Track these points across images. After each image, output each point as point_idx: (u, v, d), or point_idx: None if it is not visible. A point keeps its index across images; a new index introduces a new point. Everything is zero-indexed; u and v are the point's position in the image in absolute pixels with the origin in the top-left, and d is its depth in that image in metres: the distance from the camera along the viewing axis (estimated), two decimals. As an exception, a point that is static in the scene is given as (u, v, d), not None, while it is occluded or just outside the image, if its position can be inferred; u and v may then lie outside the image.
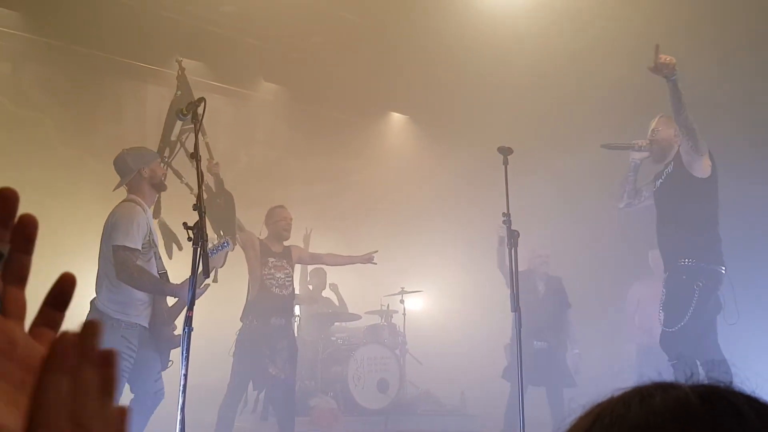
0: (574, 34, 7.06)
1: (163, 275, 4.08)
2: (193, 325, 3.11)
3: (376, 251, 5.83)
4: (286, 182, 8.43)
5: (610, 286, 7.38)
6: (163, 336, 3.99)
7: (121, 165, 4.06)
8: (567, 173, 7.57)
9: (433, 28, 7.51)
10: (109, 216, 3.96)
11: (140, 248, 3.86)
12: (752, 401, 0.57)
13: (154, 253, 4.04)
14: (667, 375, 0.64)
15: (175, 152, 5.10)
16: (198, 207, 3.21)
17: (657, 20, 6.48)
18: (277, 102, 8.99)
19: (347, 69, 8.34)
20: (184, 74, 5.45)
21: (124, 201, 4.05)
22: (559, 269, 6.41)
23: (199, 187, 3.24)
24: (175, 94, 5.44)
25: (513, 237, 4.18)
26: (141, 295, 3.88)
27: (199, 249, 3.16)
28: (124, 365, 3.73)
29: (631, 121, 7.27)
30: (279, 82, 8.90)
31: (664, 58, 4.17)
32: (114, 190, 4.12)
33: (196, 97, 3.51)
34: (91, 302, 3.86)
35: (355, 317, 7.57)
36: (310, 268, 7.77)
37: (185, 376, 3.04)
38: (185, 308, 3.19)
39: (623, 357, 6.85)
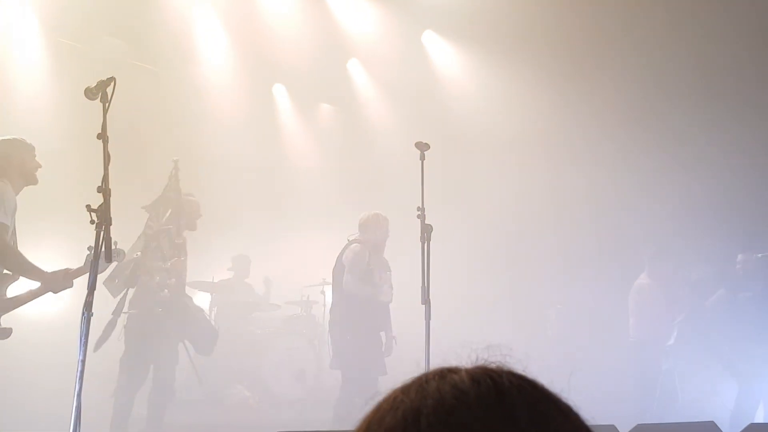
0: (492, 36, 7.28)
1: None
2: (93, 311, 3.03)
3: None
4: (211, 169, 8.29)
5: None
6: None
7: None
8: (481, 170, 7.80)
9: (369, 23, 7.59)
10: None
11: (10, 224, 3.72)
12: (514, 378, 0.63)
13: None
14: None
15: None
16: (103, 189, 3.12)
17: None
18: (204, 85, 8.80)
19: (272, 57, 8.28)
20: None
21: None
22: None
23: (105, 168, 3.15)
24: None
25: (427, 231, 4.26)
26: None
27: (102, 232, 3.08)
28: None
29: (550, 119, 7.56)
30: (205, 64, 8.71)
31: None
32: None
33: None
34: None
35: (275, 307, 7.53)
36: (232, 254, 7.68)
37: (82, 362, 2.95)
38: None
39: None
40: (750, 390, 5.88)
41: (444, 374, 0.65)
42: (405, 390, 0.65)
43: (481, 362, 0.68)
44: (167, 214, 5.21)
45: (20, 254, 3.78)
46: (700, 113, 6.95)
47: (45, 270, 3.80)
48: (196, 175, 8.08)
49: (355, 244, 5.38)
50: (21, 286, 3.92)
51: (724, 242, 6.47)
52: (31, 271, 3.77)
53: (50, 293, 3.85)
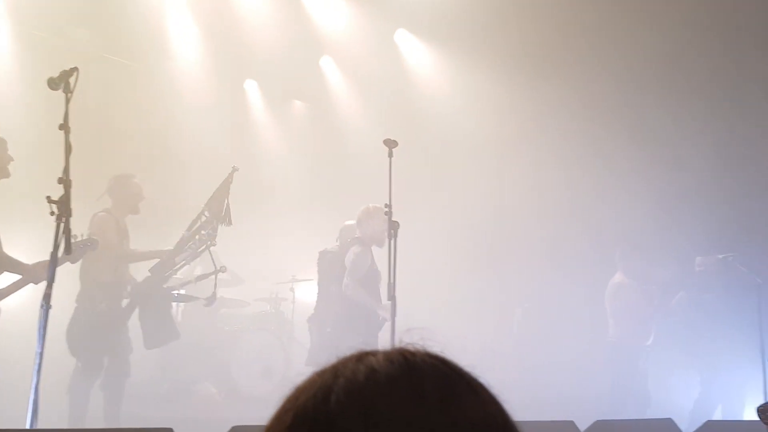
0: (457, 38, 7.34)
1: None
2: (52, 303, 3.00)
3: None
4: (182, 163, 8.22)
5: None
6: None
7: None
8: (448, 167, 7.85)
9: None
10: None
11: None
12: (428, 357, 0.64)
13: None
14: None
15: None
16: (63, 180, 3.09)
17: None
18: (177, 79, 8.69)
19: (246, 51, 8.23)
20: None
21: None
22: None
23: (66, 159, 3.12)
24: None
25: (394, 228, 4.28)
26: None
27: (62, 224, 3.04)
28: None
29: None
30: (178, 58, 8.62)
31: None
32: None
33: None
34: None
35: (243, 304, 7.49)
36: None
37: (40, 354, 2.92)
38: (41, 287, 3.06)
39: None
40: (710, 388, 6.01)
41: (362, 357, 0.66)
42: (321, 372, 0.66)
43: (402, 345, 0.69)
44: (203, 220, 5.18)
45: (1, 251, 3.80)
46: (679, 113, 6.99)
47: (25, 263, 3.86)
48: (168, 169, 8.04)
49: (355, 246, 5.21)
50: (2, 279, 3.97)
51: (697, 242, 6.52)
52: (13, 266, 3.83)
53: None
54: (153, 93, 8.35)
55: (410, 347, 0.67)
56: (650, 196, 6.94)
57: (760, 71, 6.84)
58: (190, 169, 8.19)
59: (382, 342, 4.07)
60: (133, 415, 5.23)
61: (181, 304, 7.25)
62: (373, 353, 0.66)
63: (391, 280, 4.15)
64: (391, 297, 4.14)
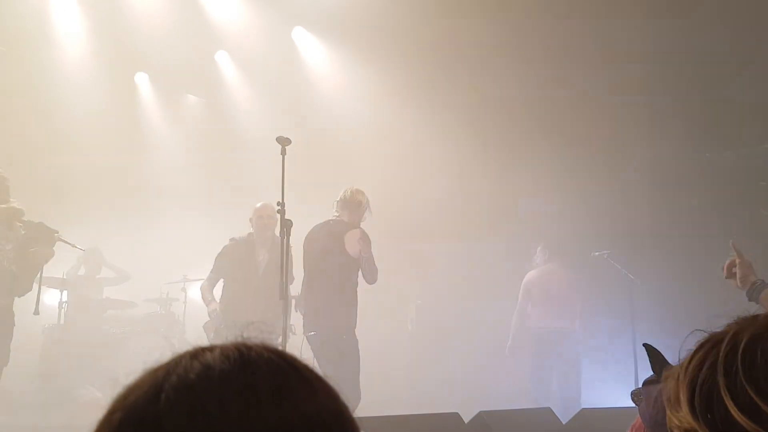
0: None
1: None
2: None
3: None
4: (65, 157, 7.83)
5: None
6: None
7: None
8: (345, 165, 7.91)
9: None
10: None
11: None
12: (265, 351, 0.66)
13: None
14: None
15: None
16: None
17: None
18: (61, 69, 8.24)
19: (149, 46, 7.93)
20: None
21: None
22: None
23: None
24: None
25: (286, 226, 4.27)
26: None
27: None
28: None
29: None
30: (62, 46, 8.16)
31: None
32: None
33: None
34: None
35: (131, 305, 7.22)
36: (80, 248, 7.25)
37: None
38: None
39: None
40: (586, 376, 6.39)
41: (197, 353, 0.65)
42: (154, 370, 0.64)
43: (241, 339, 0.68)
44: None
45: None
46: (575, 112, 7.23)
47: None
48: (49, 163, 7.61)
49: (355, 230, 4.92)
50: None
51: (592, 240, 6.82)
52: None
53: None
54: (36, 83, 7.89)
55: (248, 341, 0.67)
56: (554, 191, 7.21)
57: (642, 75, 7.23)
58: (75, 162, 7.83)
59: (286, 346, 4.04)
60: (12, 424, 4.94)
61: (64, 304, 6.92)
62: (210, 349, 0.65)
63: (284, 279, 4.14)
64: (284, 296, 4.13)
